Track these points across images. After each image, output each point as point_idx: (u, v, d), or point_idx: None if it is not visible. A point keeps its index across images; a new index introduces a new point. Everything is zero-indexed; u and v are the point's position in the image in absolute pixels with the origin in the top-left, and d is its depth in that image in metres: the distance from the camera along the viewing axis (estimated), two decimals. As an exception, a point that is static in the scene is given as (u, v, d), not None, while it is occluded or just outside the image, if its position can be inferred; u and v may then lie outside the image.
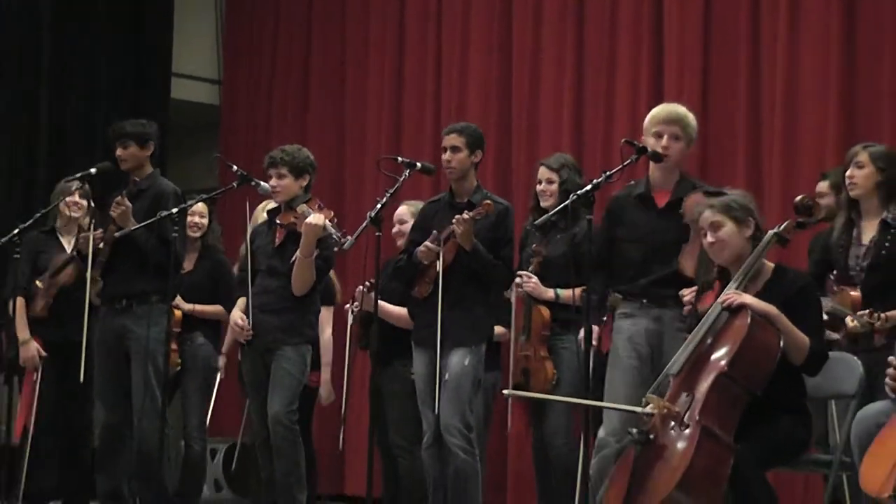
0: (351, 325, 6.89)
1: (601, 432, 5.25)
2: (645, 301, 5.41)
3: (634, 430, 4.55)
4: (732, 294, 4.67)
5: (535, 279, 6.26)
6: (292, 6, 10.15)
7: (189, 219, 6.97)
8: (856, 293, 5.17)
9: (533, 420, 6.46)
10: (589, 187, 5.07)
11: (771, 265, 4.84)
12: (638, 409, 4.70)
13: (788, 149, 6.96)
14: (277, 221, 6.34)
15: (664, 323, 5.39)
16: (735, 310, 4.64)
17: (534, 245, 6.34)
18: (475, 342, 5.90)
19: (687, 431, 4.48)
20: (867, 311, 5.01)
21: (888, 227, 5.21)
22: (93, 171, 6.62)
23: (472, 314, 5.90)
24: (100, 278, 6.62)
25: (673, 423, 4.54)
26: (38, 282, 6.97)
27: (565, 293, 6.15)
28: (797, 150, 6.94)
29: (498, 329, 6.33)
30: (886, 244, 5.18)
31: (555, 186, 6.36)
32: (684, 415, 4.52)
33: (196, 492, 7.44)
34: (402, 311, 6.41)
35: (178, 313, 7.02)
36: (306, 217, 6.11)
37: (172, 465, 7.12)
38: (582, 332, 5.56)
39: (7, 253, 6.76)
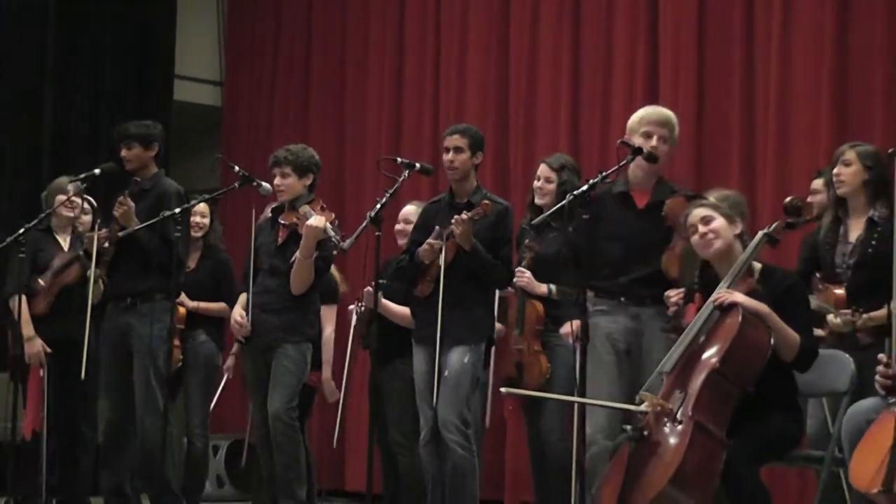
0: (354, 325, 6.93)
1: (588, 429, 5.24)
2: (623, 299, 5.43)
3: (629, 427, 4.62)
4: (724, 293, 4.73)
5: (528, 274, 6.27)
6: (293, 7, 10.19)
7: (191, 219, 7.03)
8: (840, 291, 5.21)
9: (529, 416, 6.48)
10: (585, 187, 5.07)
11: (759, 265, 4.89)
12: (632, 407, 4.75)
13: (782, 148, 7.00)
14: (280, 221, 6.39)
15: (642, 321, 5.42)
16: (726, 308, 4.70)
17: (527, 241, 6.37)
18: (475, 341, 5.93)
19: (680, 427, 4.53)
20: (849, 310, 5.07)
21: (875, 226, 5.25)
22: (97, 171, 6.62)
23: (471, 314, 5.94)
24: (106, 277, 6.69)
25: (666, 419, 4.59)
26: (39, 280, 6.99)
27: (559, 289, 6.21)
28: (790, 149, 6.97)
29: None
30: (873, 242, 5.21)
31: (553, 186, 6.36)
32: (677, 411, 4.57)
33: (198, 488, 7.47)
34: (405, 310, 6.43)
35: (182, 311, 7.07)
36: (308, 218, 6.17)
37: (175, 462, 7.15)
38: (565, 327, 5.63)
39: (5, 252, 6.80)
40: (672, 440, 4.53)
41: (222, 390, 7.71)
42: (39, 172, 9.39)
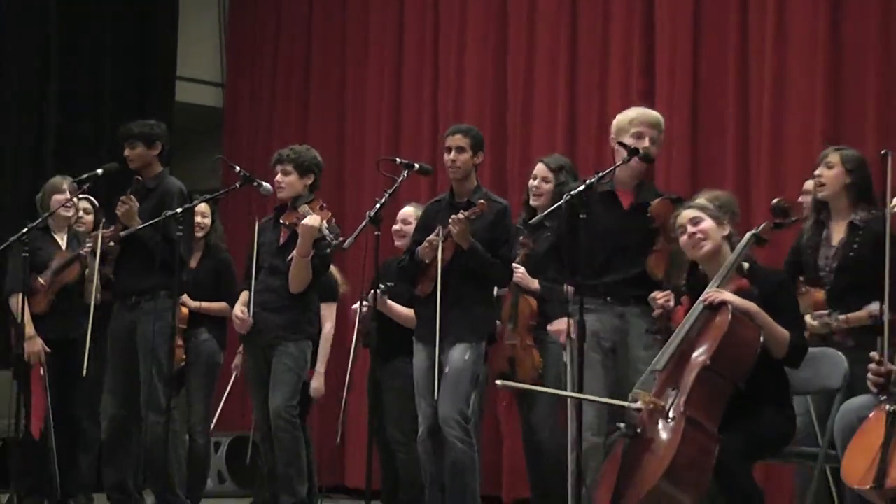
0: (358, 325, 6.95)
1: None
2: (609, 298, 5.45)
3: (623, 425, 4.67)
4: (713, 292, 4.78)
5: (522, 269, 6.30)
6: (293, 8, 10.22)
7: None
8: (819, 294, 5.24)
9: (522, 411, 6.51)
10: (582, 187, 5.10)
11: (746, 265, 4.92)
12: (626, 404, 4.79)
13: (775, 149, 7.02)
14: (282, 221, 6.44)
15: (627, 320, 5.44)
16: (716, 307, 4.75)
17: (521, 238, 6.38)
18: (476, 339, 5.97)
19: (672, 423, 4.58)
20: (826, 312, 5.12)
21: (856, 229, 5.26)
22: (99, 171, 6.65)
23: (471, 313, 5.97)
24: (112, 276, 6.73)
25: (659, 416, 4.64)
26: (39, 279, 7.01)
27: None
28: (784, 149, 6.99)
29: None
30: (854, 246, 5.23)
31: (549, 186, 6.39)
32: (669, 408, 4.63)
33: (200, 484, 7.52)
34: (409, 312, 6.44)
35: (184, 310, 7.13)
36: (305, 217, 6.24)
37: (179, 459, 7.19)
38: (554, 324, 5.67)
39: (5, 251, 6.82)
40: (665, 436, 4.58)
41: (230, 388, 7.73)
42: (40, 173, 9.36)
